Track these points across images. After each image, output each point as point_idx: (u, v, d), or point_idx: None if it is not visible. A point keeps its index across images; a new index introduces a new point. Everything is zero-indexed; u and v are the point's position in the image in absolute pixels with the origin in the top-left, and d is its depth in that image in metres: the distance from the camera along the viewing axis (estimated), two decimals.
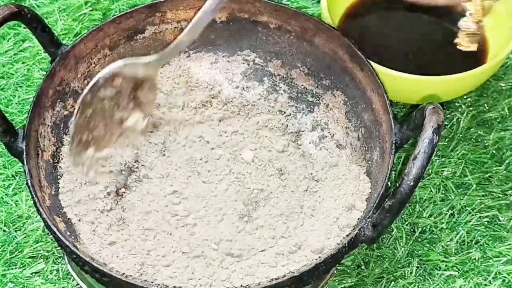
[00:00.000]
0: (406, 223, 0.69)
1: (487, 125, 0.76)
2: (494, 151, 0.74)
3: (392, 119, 0.61)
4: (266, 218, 0.64)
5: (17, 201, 0.69)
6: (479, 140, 0.75)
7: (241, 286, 0.57)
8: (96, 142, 0.63)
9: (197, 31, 0.61)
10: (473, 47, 0.76)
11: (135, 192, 0.65)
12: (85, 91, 0.59)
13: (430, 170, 0.72)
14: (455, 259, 0.67)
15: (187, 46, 0.63)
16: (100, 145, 0.63)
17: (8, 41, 0.79)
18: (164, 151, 0.68)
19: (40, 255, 0.66)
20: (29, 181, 0.58)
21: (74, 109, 0.66)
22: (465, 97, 0.77)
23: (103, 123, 0.62)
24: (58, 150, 0.65)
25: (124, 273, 0.58)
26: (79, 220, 0.62)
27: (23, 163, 0.59)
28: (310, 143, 0.69)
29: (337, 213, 0.63)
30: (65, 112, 0.66)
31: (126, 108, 0.63)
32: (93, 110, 0.61)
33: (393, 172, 0.65)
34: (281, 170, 0.67)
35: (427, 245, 0.68)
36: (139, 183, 0.66)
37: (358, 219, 0.62)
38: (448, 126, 0.75)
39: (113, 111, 0.62)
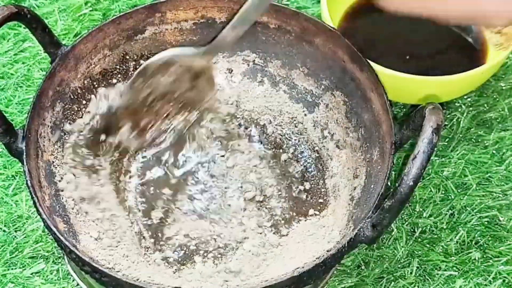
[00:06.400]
0: (406, 223, 0.69)
1: (487, 125, 0.76)
2: (494, 151, 0.74)
3: (391, 119, 0.61)
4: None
5: (17, 201, 0.69)
6: (479, 140, 0.75)
7: (242, 284, 0.57)
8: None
9: (241, 28, 0.61)
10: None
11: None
12: (133, 76, 0.63)
13: (430, 170, 0.72)
14: (455, 259, 0.67)
15: (232, 43, 0.63)
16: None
17: (8, 41, 0.79)
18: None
19: (40, 255, 0.66)
20: (29, 181, 0.58)
21: (78, 108, 0.67)
22: (465, 97, 0.77)
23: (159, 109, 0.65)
24: (58, 151, 0.65)
25: (124, 273, 0.58)
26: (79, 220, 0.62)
27: (23, 164, 0.59)
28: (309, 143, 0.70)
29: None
30: (65, 113, 0.66)
31: (183, 96, 0.65)
32: (148, 94, 0.63)
33: (393, 172, 0.65)
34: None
35: (427, 245, 0.68)
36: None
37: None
38: (448, 126, 0.75)
39: (172, 95, 0.65)
